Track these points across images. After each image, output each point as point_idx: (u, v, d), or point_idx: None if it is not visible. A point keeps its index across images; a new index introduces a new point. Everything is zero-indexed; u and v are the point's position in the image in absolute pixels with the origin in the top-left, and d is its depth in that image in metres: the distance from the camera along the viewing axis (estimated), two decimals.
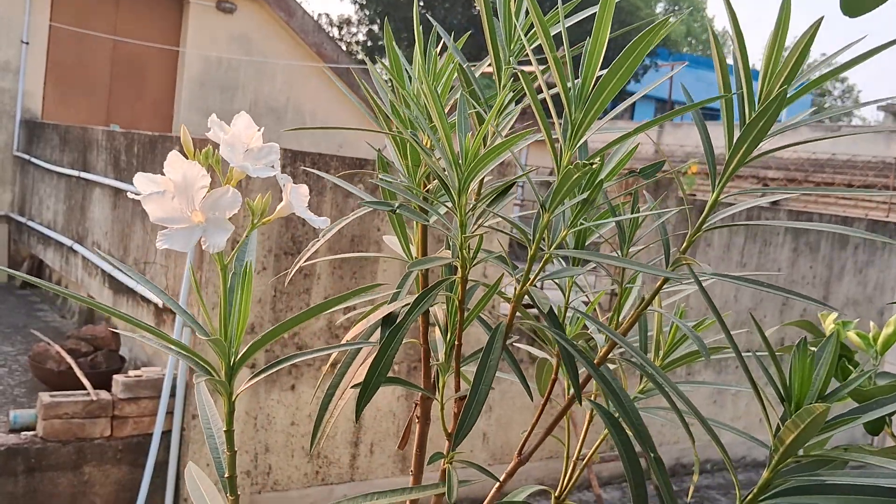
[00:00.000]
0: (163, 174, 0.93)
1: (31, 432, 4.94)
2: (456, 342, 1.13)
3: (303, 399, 5.51)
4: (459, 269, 1.05)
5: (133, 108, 11.35)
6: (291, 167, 5.32)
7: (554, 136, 1.03)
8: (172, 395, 5.14)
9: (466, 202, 1.00)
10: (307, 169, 5.40)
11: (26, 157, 9.67)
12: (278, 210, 1.01)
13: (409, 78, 1.22)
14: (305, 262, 1.22)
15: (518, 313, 1.06)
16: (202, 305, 1.01)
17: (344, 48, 14.71)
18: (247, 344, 1.01)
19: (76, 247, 7.48)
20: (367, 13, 31.82)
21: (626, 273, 1.13)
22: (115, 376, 5.19)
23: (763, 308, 7.62)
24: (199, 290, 1.02)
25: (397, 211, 1.07)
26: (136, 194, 0.94)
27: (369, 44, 32.00)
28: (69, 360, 5.67)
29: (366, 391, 1.04)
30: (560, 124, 0.94)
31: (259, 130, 0.98)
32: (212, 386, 1.10)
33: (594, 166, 0.90)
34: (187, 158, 0.94)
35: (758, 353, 1.11)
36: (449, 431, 1.18)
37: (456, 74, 1.29)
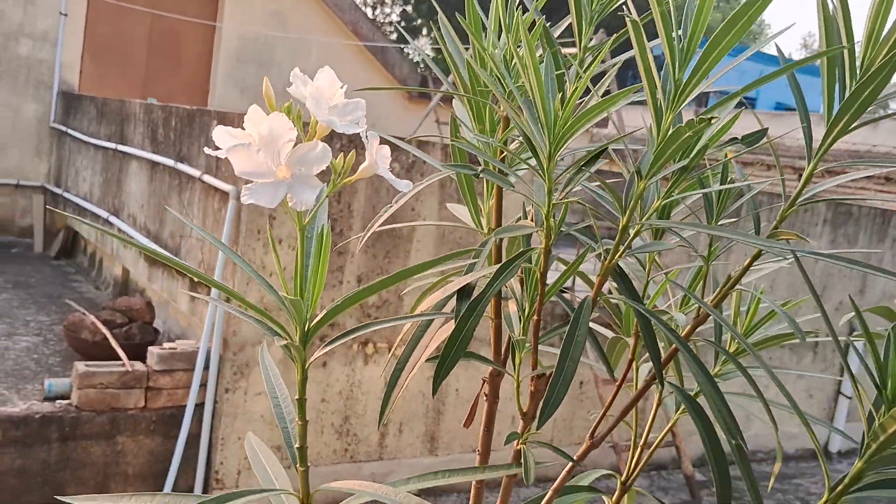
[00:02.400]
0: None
1: (66, 401, 4.96)
2: (535, 317, 1.08)
3: (333, 376, 5.50)
4: (543, 240, 1.01)
5: (169, 82, 11.38)
6: (328, 144, 5.28)
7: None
8: (206, 367, 5.15)
9: (555, 167, 0.95)
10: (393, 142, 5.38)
11: (63, 128, 9.72)
12: (362, 169, 0.97)
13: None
14: (380, 227, 1.18)
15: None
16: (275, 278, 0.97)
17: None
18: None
19: (112, 219, 7.51)
20: None
21: (710, 248, 1.07)
22: (149, 348, 5.20)
23: (830, 291, 7.51)
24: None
25: (480, 175, 1.02)
26: (213, 149, 0.90)
27: (402, 24, 31.92)
28: (104, 330, 5.69)
29: (443, 367, 1.00)
30: (659, 82, 0.89)
31: (342, 87, 0.94)
32: (278, 352, 1.06)
33: (711, 122, 0.84)
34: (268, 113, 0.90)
35: (852, 339, 1.06)
36: (524, 411, 1.14)
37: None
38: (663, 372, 1.23)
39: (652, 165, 0.88)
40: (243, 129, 0.90)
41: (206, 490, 5.16)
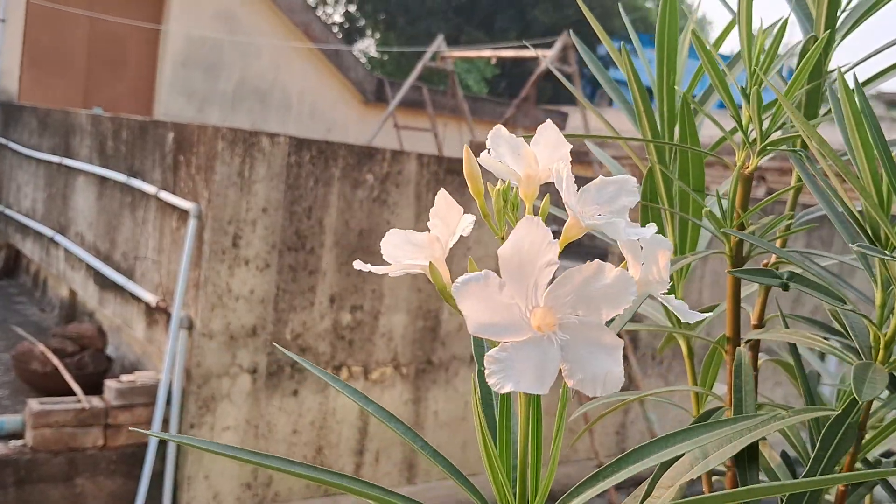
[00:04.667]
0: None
1: (20, 441, 4.58)
2: (839, 485, 0.77)
3: (306, 406, 5.18)
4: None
5: (112, 89, 10.90)
6: (297, 156, 4.97)
7: None
8: (168, 402, 4.79)
9: None
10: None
11: (3, 140, 9.21)
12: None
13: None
14: None
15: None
16: None
17: None
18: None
19: (57, 238, 7.08)
20: None
21: None
22: (107, 382, 4.83)
23: None
24: None
25: (790, 286, 0.72)
26: (377, 265, 0.59)
27: (346, 25, 31.45)
28: (55, 361, 5.29)
29: None
30: None
31: (565, 151, 0.61)
32: None
33: None
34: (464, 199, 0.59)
35: None
36: None
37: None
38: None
39: None
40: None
41: None
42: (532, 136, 0.61)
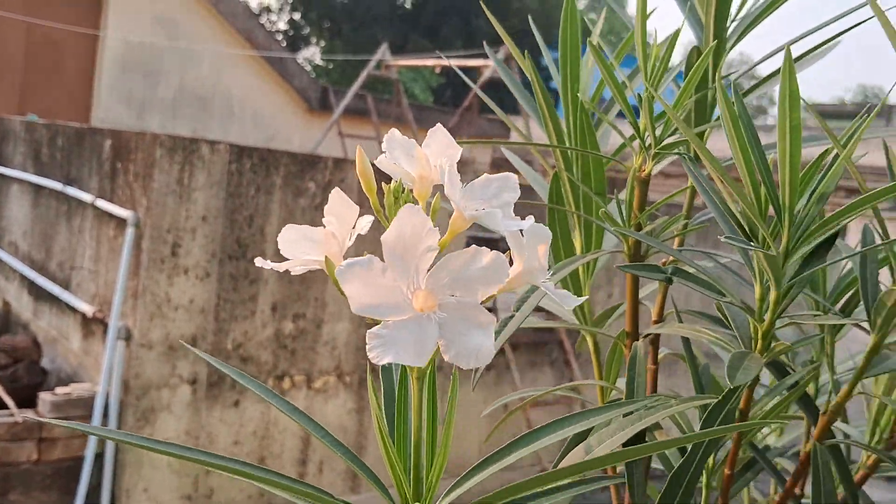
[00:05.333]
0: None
1: None
2: (726, 470, 0.79)
3: (247, 416, 5.11)
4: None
5: (49, 95, 10.68)
6: (238, 163, 4.91)
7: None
8: (105, 414, 4.69)
9: (786, 265, 0.67)
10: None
11: None
12: (512, 279, 0.65)
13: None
14: None
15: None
16: None
17: None
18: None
19: None
20: (290, 0, 31.07)
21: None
22: (41, 394, 4.72)
23: None
24: None
25: (674, 279, 0.74)
26: (275, 261, 0.63)
27: (291, 33, 31.28)
28: None
29: None
30: None
31: (454, 152, 0.64)
32: None
33: None
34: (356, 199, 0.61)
35: None
36: None
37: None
38: None
39: None
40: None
41: None
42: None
